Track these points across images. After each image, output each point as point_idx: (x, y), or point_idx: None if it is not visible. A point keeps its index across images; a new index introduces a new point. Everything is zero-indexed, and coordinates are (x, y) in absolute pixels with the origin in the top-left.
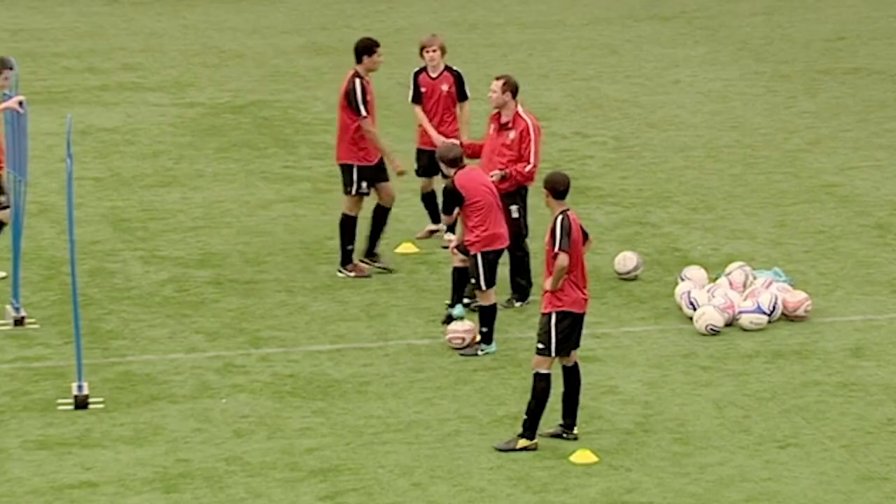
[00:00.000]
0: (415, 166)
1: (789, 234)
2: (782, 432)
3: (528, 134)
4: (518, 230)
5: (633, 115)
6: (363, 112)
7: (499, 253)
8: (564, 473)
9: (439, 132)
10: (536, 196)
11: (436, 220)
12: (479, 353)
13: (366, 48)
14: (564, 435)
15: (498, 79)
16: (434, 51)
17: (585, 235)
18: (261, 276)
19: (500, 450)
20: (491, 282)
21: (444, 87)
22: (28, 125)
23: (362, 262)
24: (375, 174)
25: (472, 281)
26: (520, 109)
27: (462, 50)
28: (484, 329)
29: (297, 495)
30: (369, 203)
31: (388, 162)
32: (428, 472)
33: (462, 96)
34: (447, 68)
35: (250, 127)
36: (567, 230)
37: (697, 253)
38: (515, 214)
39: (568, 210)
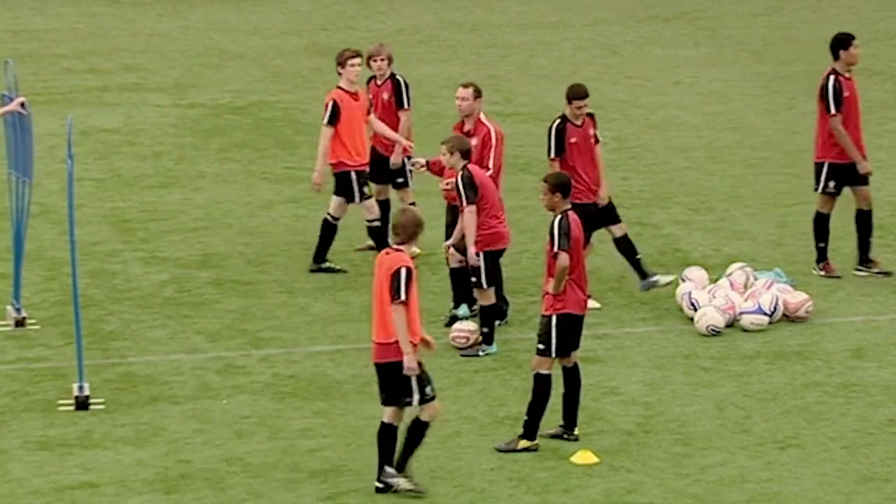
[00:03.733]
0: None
1: (790, 235)
2: (783, 433)
3: (490, 140)
4: None
5: (633, 116)
6: (832, 110)
7: (501, 252)
8: (565, 474)
9: (379, 139)
10: (535, 198)
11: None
12: (480, 353)
13: (841, 42)
14: (565, 436)
15: (466, 86)
16: (382, 59)
17: (587, 237)
18: (262, 277)
19: (501, 450)
20: (492, 281)
21: (385, 96)
22: (32, 126)
23: (859, 269)
24: (848, 175)
25: (473, 279)
26: (482, 116)
27: (463, 51)
28: (485, 329)
29: (298, 496)
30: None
31: (856, 162)
32: (429, 473)
33: (399, 104)
34: (391, 76)
35: (251, 128)
36: (566, 230)
37: (698, 254)
38: None
39: (569, 210)
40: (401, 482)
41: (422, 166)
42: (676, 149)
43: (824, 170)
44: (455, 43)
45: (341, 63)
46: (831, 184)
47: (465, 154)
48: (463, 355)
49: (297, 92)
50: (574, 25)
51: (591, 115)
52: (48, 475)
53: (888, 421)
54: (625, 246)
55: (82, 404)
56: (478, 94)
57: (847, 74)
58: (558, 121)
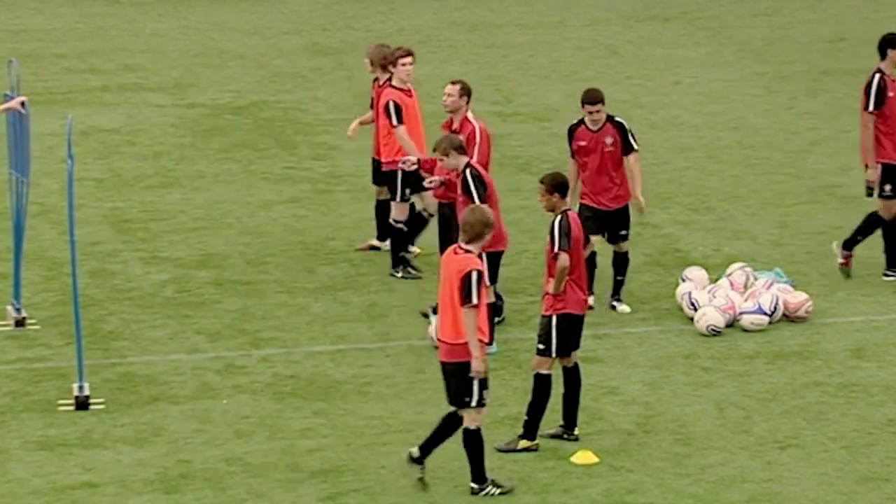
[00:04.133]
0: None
1: (790, 235)
2: (783, 433)
3: (474, 138)
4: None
5: (633, 116)
6: (870, 107)
7: (502, 253)
8: (565, 474)
9: (376, 140)
10: (535, 198)
11: (382, 236)
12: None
13: (889, 41)
14: (565, 436)
15: (454, 83)
16: (366, 61)
17: (587, 237)
18: (261, 277)
19: (501, 450)
20: (492, 279)
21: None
22: (30, 126)
23: (887, 274)
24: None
25: None
26: (469, 115)
27: (463, 51)
28: None
29: (298, 496)
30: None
31: (866, 167)
32: (429, 473)
33: None
34: (389, 78)
35: (251, 128)
36: (566, 230)
37: (698, 254)
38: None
39: (568, 210)
40: (494, 490)
41: (413, 164)
42: (676, 149)
43: (878, 173)
44: (455, 43)
45: (392, 62)
46: (887, 187)
47: (460, 149)
48: None
49: (297, 92)
50: (574, 25)
51: (616, 124)
52: (48, 475)
53: (888, 421)
54: (591, 264)
55: (82, 404)
56: (464, 91)
57: (892, 75)
58: (574, 122)
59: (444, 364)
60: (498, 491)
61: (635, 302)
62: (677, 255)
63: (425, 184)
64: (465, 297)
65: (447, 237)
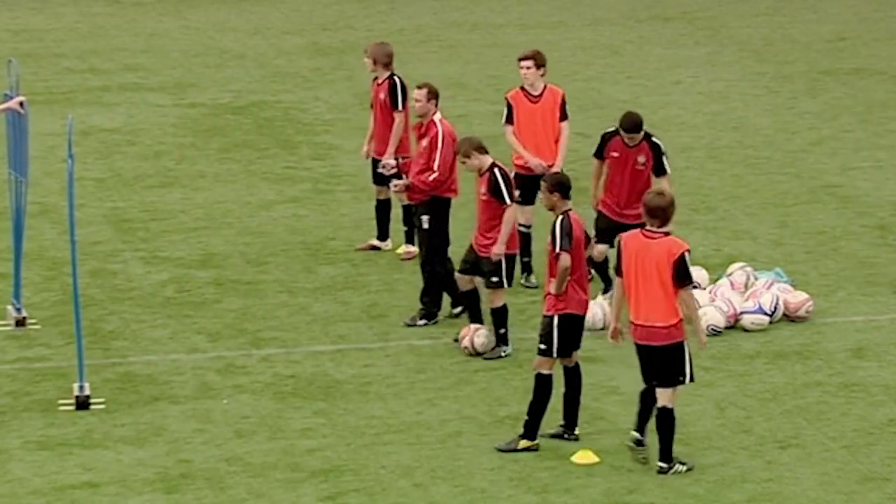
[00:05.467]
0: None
1: (791, 235)
2: (783, 433)
3: (436, 141)
4: (430, 243)
5: None
6: None
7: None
8: (566, 474)
9: (376, 139)
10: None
11: (382, 235)
12: (503, 354)
13: None
14: (566, 435)
15: (420, 87)
16: (367, 58)
17: (588, 238)
18: (262, 277)
19: (502, 450)
20: (510, 280)
21: (381, 96)
22: (29, 126)
23: None
24: None
25: (494, 280)
26: (435, 117)
27: (463, 51)
28: (502, 330)
29: (299, 496)
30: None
31: None
32: (429, 473)
33: (393, 105)
34: (389, 76)
35: (251, 127)
36: (567, 230)
37: (698, 254)
38: (426, 225)
39: (570, 210)
40: (681, 468)
41: (393, 167)
42: (676, 149)
43: None
44: (455, 43)
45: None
46: None
47: (481, 149)
48: (486, 358)
49: (297, 92)
50: (574, 25)
51: (652, 144)
52: (48, 475)
53: (888, 421)
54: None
55: (83, 404)
56: (432, 95)
57: None
58: (611, 129)
59: (656, 347)
60: (684, 468)
61: None
62: None
63: (391, 186)
64: (686, 278)
65: (434, 241)
